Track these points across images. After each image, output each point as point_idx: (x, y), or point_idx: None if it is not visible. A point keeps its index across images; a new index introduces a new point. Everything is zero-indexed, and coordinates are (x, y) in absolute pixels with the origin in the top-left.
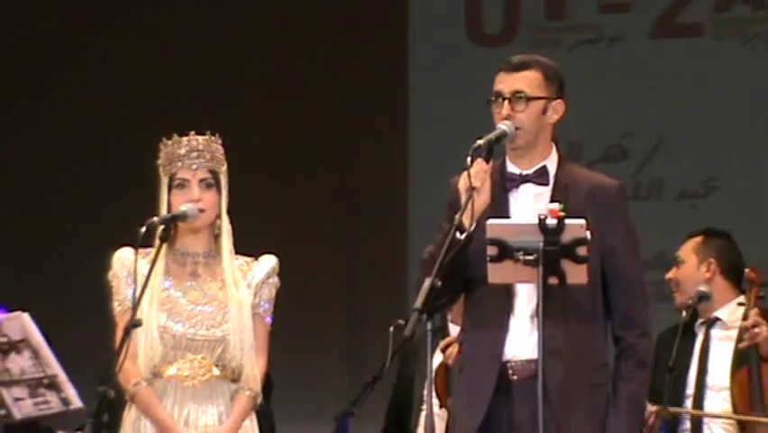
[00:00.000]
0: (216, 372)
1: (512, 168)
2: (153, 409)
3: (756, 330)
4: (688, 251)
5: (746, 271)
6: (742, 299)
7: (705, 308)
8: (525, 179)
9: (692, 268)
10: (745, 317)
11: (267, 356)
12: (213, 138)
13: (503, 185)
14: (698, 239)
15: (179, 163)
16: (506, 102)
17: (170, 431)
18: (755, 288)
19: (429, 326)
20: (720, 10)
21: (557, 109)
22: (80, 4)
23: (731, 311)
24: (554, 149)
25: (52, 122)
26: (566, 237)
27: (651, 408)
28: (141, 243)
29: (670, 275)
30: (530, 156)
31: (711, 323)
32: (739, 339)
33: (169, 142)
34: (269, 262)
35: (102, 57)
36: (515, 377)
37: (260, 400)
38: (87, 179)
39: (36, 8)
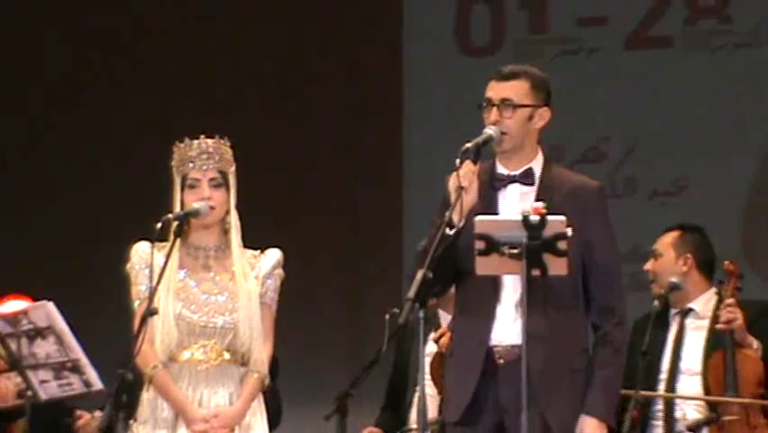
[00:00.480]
0: (227, 356)
1: (500, 169)
2: (169, 390)
3: (731, 316)
4: (666, 245)
5: (726, 263)
6: (714, 290)
7: (679, 299)
8: (512, 180)
9: (670, 261)
10: (718, 305)
11: (273, 341)
12: (222, 141)
13: (492, 184)
14: (675, 234)
15: (191, 164)
16: (495, 108)
17: (184, 410)
18: (734, 279)
19: (421, 314)
20: (689, 23)
21: (543, 116)
22: (105, 12)
23: (704, 302)
24: (540, 152)
25: (80, 125)
26: (548, 233)
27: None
28: (157, 237)
29: (648, 267)
30: (517, 158)
31: (685, 313)
32: (713, 323)
33: (182, 145)
34: (274, 255)
35: (127, 65)
36: (501, 361)
37: (267, 381)
38: (108, 178)
39: (67, 13)
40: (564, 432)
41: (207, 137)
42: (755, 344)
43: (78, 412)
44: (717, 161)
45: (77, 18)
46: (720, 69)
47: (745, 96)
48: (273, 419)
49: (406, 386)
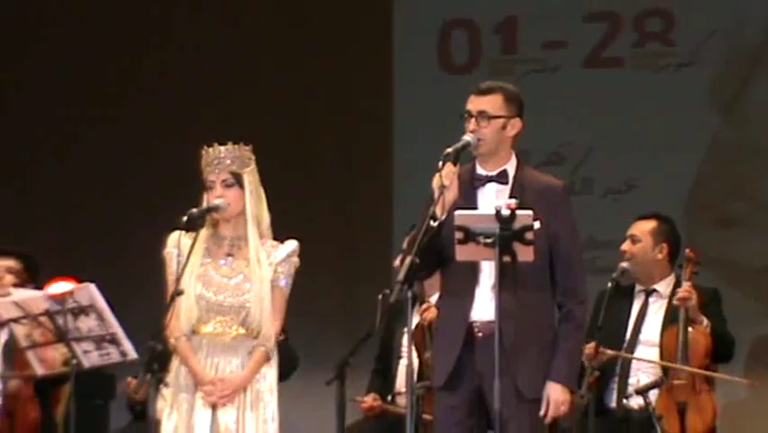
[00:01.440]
0: (241, 331)
1: (480, 170)
2: (187, 357)
3: (687, 295)
4: (644, 232)
5: (687, 250)
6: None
7: (645, 279)
8: (489, 179)
9: (648, 248)
10: (678, 285)
11: (282, 319)
12: (236, 146)
13: (472, 183)
14: (653, 223)
15: (208, 169)
16: (473, 119)
17: (197, 374)
18: (692, 265)
19: (409, 294)
20: (637, 46)
21: (515, 125)
22: (138, 24)
23: (667, 284)
24: (514, 156)
25: (123, 126)
26: (517, 225)
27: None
28: (186, 227)
29: (625, 248)
30: (493, 161)
31: (650, 292)
32: (672, 301)
33: (205, 153)
34: (290, 245)
35: (157, 74)
36: (479, 334)
37: (272, 354)
38: (146, 174)
39: (99, 20)
40: (533, 396)
41: (221, 144)
42: (705, 322)
43: (129, 379)
44: (660, 163)
45: (108, 26)
46: (664, 85)
47: (685, 108)
48: (287, 373)
49: (391, 356)
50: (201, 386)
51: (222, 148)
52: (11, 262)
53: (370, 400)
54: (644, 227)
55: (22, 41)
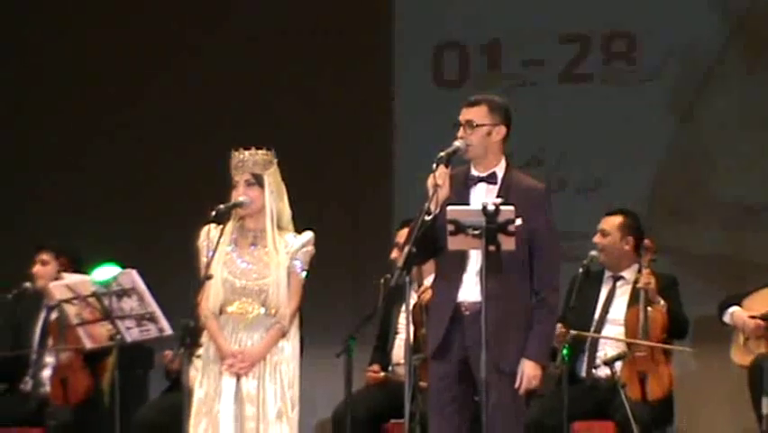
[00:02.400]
0: (262, 311)
1: (473, 171)
2: (214, 333)
3: (647, 280)
4: (613, 226)
5: (645, 241)
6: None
7: (613, 267)
8: (480, 180)
9: (616, 240)
10: (640, 272)
11: (298, 300)
12: (259, 151)
13: (466, 183)
14: (620, 218)
15: (234, 170)
16: (462, 127)
17: (221, 348)
18: (649, 253)
19: (407, 279)
20: (605, 64)
21: (499, 132)
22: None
23: (631, 271)
24: (504, 160)
25: (159, 131)
26: (500, 219)
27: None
28: (215, 221)
29: (597, 240)
30: (483, 164)
31: (617, 278)
32: (634, 286)
33: (232, 156)
34: (306, 236)
35: (188, 81)
36: (466, 312)
37: (286, 331)
38: (179, 173)
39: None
40: (510, 370)
41: (245, 149)
42: (662, 302)
43: (166, 352)
44: (625, 165)
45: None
46: (627, 98)
47: (646, 117)
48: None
49: (390, 333)
50: (224, 358)
51: (246, 152)
52: (54, 257)
53: (373, 371)
54: (612, 222)
55: (62, 37)
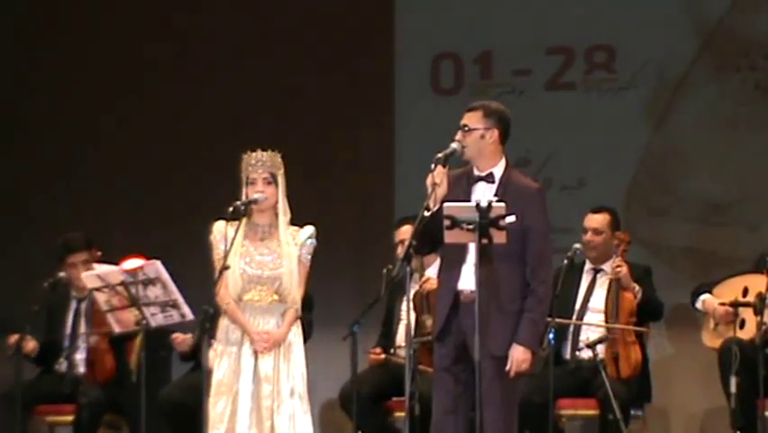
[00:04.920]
0: (275, 297)
1: (475, 171)
2: (238, 318)
3: (619, 269)
4: (605, 225)
5: (619, 233)
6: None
7: (595, 260)
8: (480, 179)
9: (608, 237)
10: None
11: (304, 286)
12: (272, 153)
13: (469, 182)
14: (609, 217)
15: (251, 168)
16: (459, 131)
17: (248, 331)
18: (624, 244)
19: (408, 269)
20: (587, 74)
21: (492, 135)
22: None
23: (610, 264)
24: (503, 160)
25: (174, 137)
26: (493, 214)
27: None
28: (232, 217)
29: (591, 238)
30: (482, 164)
31: (598, 270)
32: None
33: (247, 156)
34: (309, 229)
35: (198, 91)
36: (464, 300)
37: (299, 314)
38: (195, 174)
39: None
40: (500, 354)
41: (263, 150)
42: (636, 288)
43: (176, 334)
44: (605, 166)
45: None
46: (607, 104)
47: (624, 122)
48: (306, 335)
49: (393, 320)
50: (254, 339)
51: (263, 153)
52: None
53: (375, 352)
54: (603, 221)
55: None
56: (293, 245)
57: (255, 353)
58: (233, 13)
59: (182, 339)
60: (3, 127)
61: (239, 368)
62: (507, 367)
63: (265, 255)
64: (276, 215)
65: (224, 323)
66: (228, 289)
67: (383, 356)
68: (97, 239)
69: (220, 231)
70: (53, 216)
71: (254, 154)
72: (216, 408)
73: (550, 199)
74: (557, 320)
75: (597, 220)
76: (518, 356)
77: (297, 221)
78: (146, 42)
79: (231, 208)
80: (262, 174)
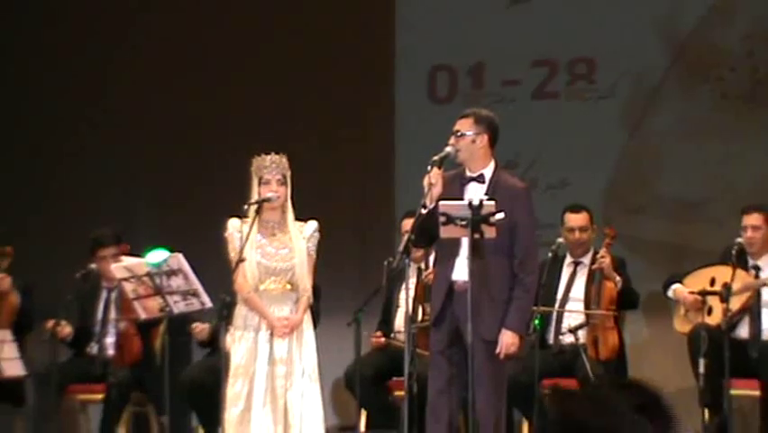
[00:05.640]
0: (289, 287)
1: (467, 173)
2: (258, 306)
3: (602, 261)
4: (588, 222)
5: (606, 229)
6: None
7: (577, 254)
8: (471, 180)
9: (591, 233)
10: (595, 255)
11: (313, 276)
12: (282, 156)
13: (461, 182)
14: (588, 215)
15: (265, 170)
16: (453, 136)
17: (269, 318)
18: (609, 239)
19: (407, 261)
20: (569, 84)
21: (483, 140)
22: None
23: (588, 257)
24: (493, 161)
25: (190, 143)
26: (483, 212)
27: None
28: (243, 214)
29: (579, 236)
30: (473, 166)
31: (578, 263)
32: (591, 267)
33: (259, 159)
34: (313, 224)
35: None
36: (458, 290)
37: (311, 300)
38: (210, 174)
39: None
40: (492, 339)
41: (276, 154)
42: (618, 278)
43: (195, 324)
44: (586, 168)
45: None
46: (588, 112)
47: (603, 128)
48: (315, 322)
49: (392, 308)
50: (276, 324)
51: (275, 156)
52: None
53: (376, 336)
54: (585, 219)
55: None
56: (301, 239)
57: (271, 337)
58: (240, 26)
59: (200, 329)
60: (45, 135)
61: (255, 352)
62: (497, 350)
63: (279, 248)
64: (283, 212)
65: (241, 311)
66: (247, 280)
67: (383, 339)
68: (125, 235)
69: (235, 227)
70: (84, 212)
71: (268, 157)
72: (234, 387)
73: (535, 198)
74: (542, 308)
75: (580, 219)
76: (507, 340)
77: (307, 217)
78: (171, 40)
79: (246, 206)
80: (276, 175)
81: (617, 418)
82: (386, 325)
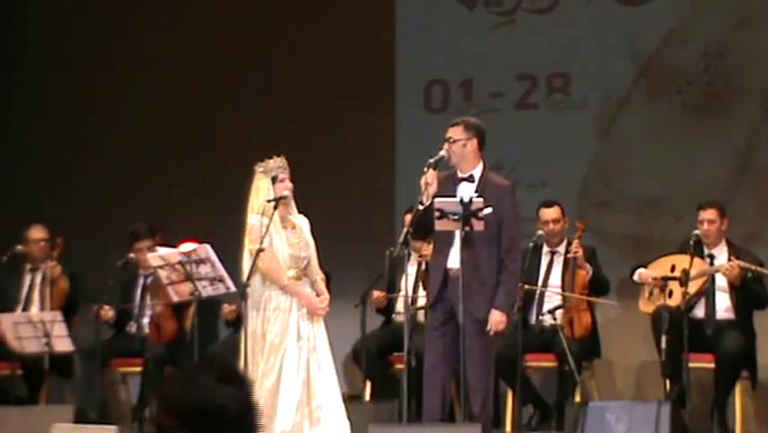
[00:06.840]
0: (304, 272)
1: (459, 173)
2: (298, 290)
3: (576, 251)
4: (560, 215)
5: (577, 223)
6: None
7: (553, 243)
8: (463, 179)
9: (564, 224)
10: (569, 245)
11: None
12: (282, 157)
13: (453, 182)
14: (559, 208)
15: (279, 170)
16: (446, 142)
17: (309, 299)
18: (580, 232)
19: (406, 251)
20: (548, 95)
21: (472, 144)
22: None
23: (563, 246)
24: (481, 163)
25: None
26: (473, 207)
27: None
28: (261, 210)
29: (553, 228)
30: (464, 168)
31: (554, 252)
32: (566, 257)
33: (270, 161)
34: (305, 218)
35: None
36: (452, 276)
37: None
38: (225, 173)
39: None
40: (482, 317)
41: (276, 156)
42: (588, 267)
43: (225, 305)
44: (561, 169)
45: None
46: (564, 121)
47: (576, 135)
48: None
49: (393, 291)
50: (316, 306)
51: (278, 158)
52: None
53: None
54: (557, 212)
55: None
56: (307, 230)
57: (299, 317)
58: (249, 42)
59: (229, 310)
60: (77, 139)
61: (287, 330)
62: (488, 327)
63: (298, 239)
64: (290, 206)
65: (275, 294)
66: (282, 268)
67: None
68: (161, 227)
69: (257, 220)
70: (124, 209)
71: (278, 159)
72: (268, 362)
73: (518, 196)
74: (525, 287)
75: (553, 212)
76: (496, 318)
77: (318, 214)
78: (184, 42)
79: (268, 202)
80: (288, 175)
81: (207, 391)
82: (387, 305)
